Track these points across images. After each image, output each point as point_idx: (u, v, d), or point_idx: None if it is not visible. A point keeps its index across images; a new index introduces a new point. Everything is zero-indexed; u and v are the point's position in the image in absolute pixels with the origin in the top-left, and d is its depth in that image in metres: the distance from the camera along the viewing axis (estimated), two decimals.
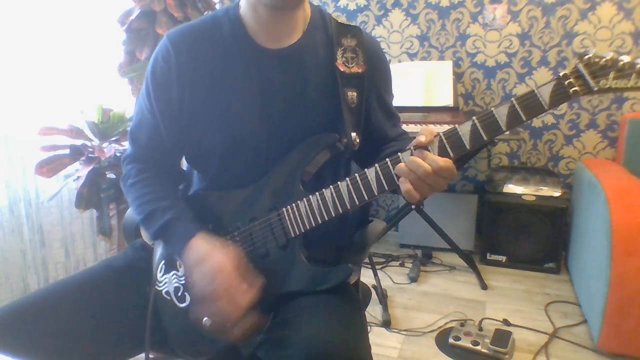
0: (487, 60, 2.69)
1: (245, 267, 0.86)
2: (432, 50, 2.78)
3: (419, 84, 2.51)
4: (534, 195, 2.43)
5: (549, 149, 2.68)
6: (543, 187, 2.45)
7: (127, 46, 2.24)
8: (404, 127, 2.30)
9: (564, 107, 2.60)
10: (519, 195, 2.45)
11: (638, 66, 0.69)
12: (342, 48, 0.95)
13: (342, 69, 0.93)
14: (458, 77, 2.71)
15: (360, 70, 0.95)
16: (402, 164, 0.78)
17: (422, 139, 0.78)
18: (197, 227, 0.90)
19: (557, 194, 2.42)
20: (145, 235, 1.03)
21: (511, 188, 2.49)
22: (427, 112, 2.41)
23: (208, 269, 0.84)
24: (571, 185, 2.60)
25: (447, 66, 2.55)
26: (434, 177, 0.76)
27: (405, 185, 0.78)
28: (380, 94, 1.01)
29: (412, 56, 2.82)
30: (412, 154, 0.78)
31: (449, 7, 2.69)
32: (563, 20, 2.51)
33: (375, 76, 0.98)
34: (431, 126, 2.38)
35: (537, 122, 2.66)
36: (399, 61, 2.82)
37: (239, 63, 0.92)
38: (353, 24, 0.99)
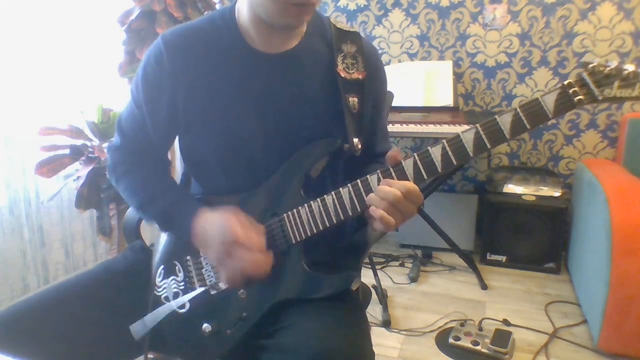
0: (487, 60, 2.69)
1: (247, 219, 0.86)
2: (432, 50, 2.78)
3: (419, 84, 2.51)
4: (534, 195, 2.43)
5: (549, 149, 2.68)
6: (543, 187, 2.45)
7: (127, 46, 2.23)
8: (404, 127, 2.28)
9: None
10: (519, 195, 2.45)
11: None
12: (342, 54, 0.94)
13: (343, 75, 0.92)
14: (458, 77, 2.71)
15: (360, 77, 0.94)
16: (373, 194, 0.79)
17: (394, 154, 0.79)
18: (199, 205, 0.90)
19: (557, 194, 2.42)
20: (144, 236, 1.02)
21: (511, 188, 2.49)
22: (427, 112, 2.41)
23: (217, 230, 0.84)
24: (571, 185, 2.60)
25: (447, 66, 2.55)
26: (404, 201, 0.76)
27: (377, 212, 0.78)
28: (375, 103, 1.00)
29: (412, 56, 2.82)
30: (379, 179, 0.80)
31: (449, 7, 2.69)
32: (563, 20, 2.51)
33: (373, 85, 0.97)
34: (431, 126, 2.36)
35: None
36: (399, 61, 2.82)
37: (235, 67, 0.91)
38: (352, 29, 0.98)
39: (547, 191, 2.44)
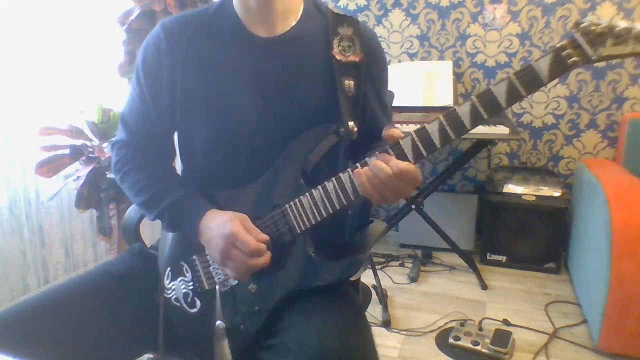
0: (487, 60, 2.69)
1: (251, 224, 0.86)
2: (432, 50, 2.78)
3: (419, 84, 2.51)
4: (534, 195, 2.43)
5: (549, 149, 2.68)
6: (543, 187, 2.45)
7: (127, 46, 2.23)
8: (404, 127, 2.29)
9: (564, 107, 2.60)
10: (519, 195, 2.45)
11: (634, 31, 0.67)
12: (339, 37, 0.93)
13: (338, 58, 0.92)
14: (458, 77, 2.71)
15: (357, 59, 0.93)
16: (366, 168, 0.78)
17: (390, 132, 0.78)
18: (209, 204, 0.90)
19: (557, 194, 2.42)
20: (143, 237, 1.02)
21: (511, 188, 2.49)
22: (427, 112, 2.40)
23: (219, 228, 0.84)
24: (571, 185, 2.60)
25: (447, 66, 2.55)
26: (395, 180, 0.76)
27: (365, 189, 0.78)
28: (376, 87, 1.00)
29: (412, 56, 2.82)
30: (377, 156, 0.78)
31: (449, 7, 2.69)
32: (563, 20, 2.51)
33: (372, 68, 0.97)
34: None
35: (537, 122, 2.66)
36: (399, 61, 2.82)
37: (232, 51, 0.92)
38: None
39: (547, 191, 2.44)
